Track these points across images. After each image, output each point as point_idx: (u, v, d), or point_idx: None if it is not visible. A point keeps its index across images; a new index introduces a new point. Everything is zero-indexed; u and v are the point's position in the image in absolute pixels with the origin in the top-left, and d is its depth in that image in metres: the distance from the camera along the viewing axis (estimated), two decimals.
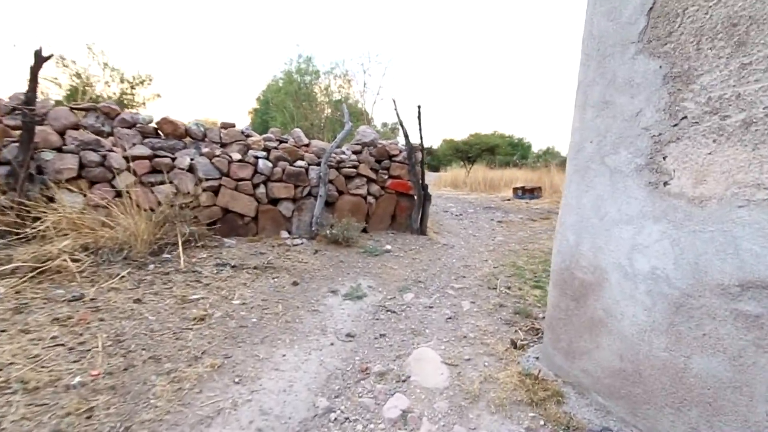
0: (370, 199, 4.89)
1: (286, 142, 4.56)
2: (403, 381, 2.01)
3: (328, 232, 4.20)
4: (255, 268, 3.26)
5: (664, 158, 1.48)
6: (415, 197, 5.10)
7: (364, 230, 4.89)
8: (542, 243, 4.73)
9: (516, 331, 2.47)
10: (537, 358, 2.10)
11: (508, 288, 3.24)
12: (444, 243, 4.89)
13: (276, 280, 3.13)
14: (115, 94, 11.41)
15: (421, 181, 5.14)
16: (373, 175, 4.89)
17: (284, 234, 4.39)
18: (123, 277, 2.75)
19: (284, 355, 2.12)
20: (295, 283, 3.10)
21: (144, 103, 11.83)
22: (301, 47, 24.51)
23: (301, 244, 4.12)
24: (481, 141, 17.26)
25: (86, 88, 10.25)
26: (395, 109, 5.06)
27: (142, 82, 11.81)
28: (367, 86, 12.41)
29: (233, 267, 3.23)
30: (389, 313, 2.78)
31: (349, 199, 4.74)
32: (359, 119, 10.88)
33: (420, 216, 5.15)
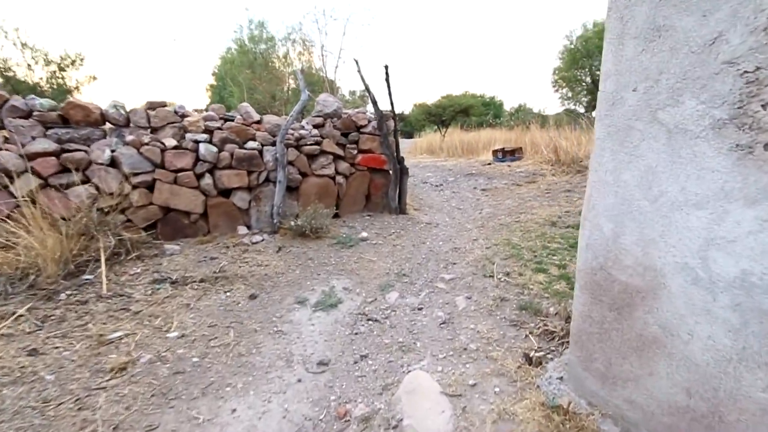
0: (339, 179, 4.28)
1: (233, 120, 3.84)
2: (394, 428, 1.53)
3: (293, 223, 3.60)
4: (202, 281, 2.67)
5: (763, 107, 0.96)
6: (391, 172, 4.52)
7: (336, 215, 4.32)
8: (534, 213, 4.29)
9: (527, 336, 2.01)
10: (561, 378, 1.65)
11: (507, 274, 2.78)
12: (427, 221, 4.38)
13: (229, 294, 2.56)
14: (42, 79, 10.03)
15: (395, 154, 4.55)
16: (340, 152, 4.25)
17: (242, 230, 3.77)
18: (21, 316, 2.12)
19: (234, 411, 1.60)
20: (252, 297, 2.54)
21: (78, 88, 10.50)
22: (251, 11, 22.58)
23: (262, 241, 3.52)
24: (454, 103, 16.56)
25: (3, 73, 8.90)
26: (359, 71, 4.36)
27: (72, 63, 10.42)
28: (326, 49, 11.32)
29: (174, 282, 2.62)
30: (371, 322, 2.28)
31: (315, 182, 4.12)
32: (322, 88, 9.98)
33: (398, 193, 4.60)
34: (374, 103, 4.36)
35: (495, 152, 8.96)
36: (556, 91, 21.46)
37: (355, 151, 4.35)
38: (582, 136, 8.68)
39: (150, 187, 3.35)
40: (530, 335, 2.02)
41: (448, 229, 4.07)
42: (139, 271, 2.76)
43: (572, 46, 19.58)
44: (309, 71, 12.04)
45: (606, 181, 1.35)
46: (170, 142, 3.39)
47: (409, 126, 30.36)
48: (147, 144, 3.30)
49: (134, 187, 3.27)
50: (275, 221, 3.69)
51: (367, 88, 4.37)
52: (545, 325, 2.07)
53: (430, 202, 5.45)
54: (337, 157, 4.29)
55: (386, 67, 4.41)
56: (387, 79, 4.44)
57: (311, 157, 4.11)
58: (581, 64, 19.35)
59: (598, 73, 18.91)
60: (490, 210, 4.73)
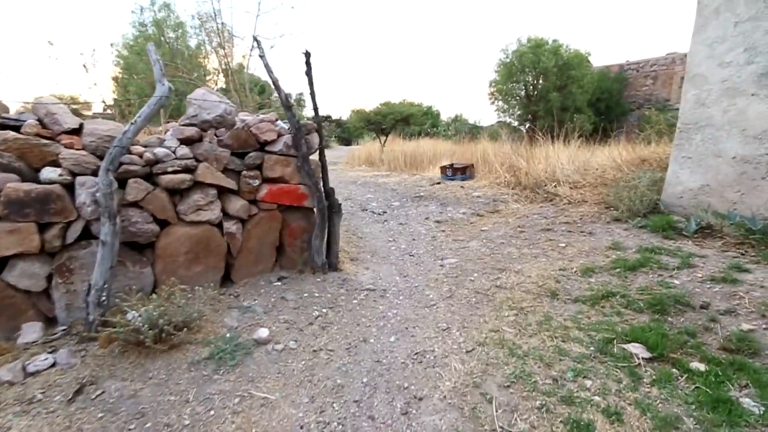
0: (231, 225, 2.68)
1: (18, 129, 2.09)
2: None
3: (132, 317, 1.95)
4: None
5: None
6: (315, 211, 3.03)
7: (226, 279, 2.72)
8: (519, 270, 3.07)
9: None
10: None
11: None
12: (369, 285, 2.95)
13: None
14: None
15: (322, 184, 3.08)
16: (230, 183, 2.66)
17: (32, 330, 2.03)
18: None
19: None
20: None
21: None
22: None
23: (52, 367, 1.82)
24: (394, 110, 15.48)
25: None
26: (261, 56, 2.82)
27: None
28: (233, 32, 9.26)
29: None
30: None
31: (186, 234, 2.49)
32: (238, 89, 8.10)
33: (326, 241, 3.12)
34: (287, 106, 2.84)
35: (443, 169, 7.86)
36: (492, 103, 21.51)
37: (258, 182, 2.79)
38: (536, 151, 7.93)
39: None
40: None
41: (402, 303, 2.67)
42: None
43: (508, 60, 19.71)
44: (235, 69, 10.05)
45: None
46: None
47: (347, 132, 28.95)
48: None
49: None
50: (91, 317, 2.00)
51: (274, 82, 2.84)
52: None
53: (373, 244, 4.03)
54: (225, 192, 2.70)
55: (307, 55, 2.93)
56: (308, 72, 2.96)
57: (177, 193, 2.47)
58: (516, 78, 19.51)
59: (531, 86, 19.19)
60: (455, 260, 3.43)
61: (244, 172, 2.73)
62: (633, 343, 2.03)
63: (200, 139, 2.57)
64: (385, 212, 5.47)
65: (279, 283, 2.85)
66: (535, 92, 19.18)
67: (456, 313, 2.49)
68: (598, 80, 19.68)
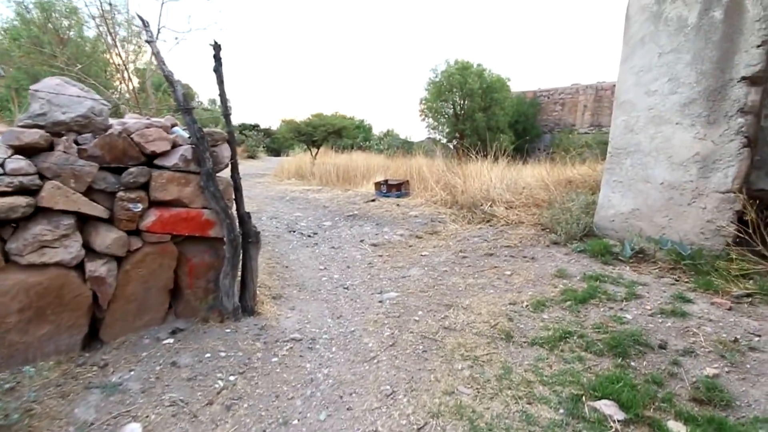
0: (98, 267, 1.95)
1: None
2: None
3: None
4: None
5: None
6: (225, 242, 2.40)
7: (94, 338, 1.98)
8: (467, 305, 2.74)
9: None
10: None
11: None
12: (294, 335, 2.39)
13: None
14: None
15: (235, 208, 2.46)
16: (98, 209, 1.94)
17: None
18: None
19: None
20: None
21: None
22: None
23: None
24: (326, 122, 14.96)
25: None
26: (149, 41, 2.17)
27: None
28: (139, 22, 8.13)
29: None
30: None
31: (21, 283, 1.72)
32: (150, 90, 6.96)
33: (240, 279, 2.50)
34: (186, 110, 2.20)
35: (378, 185, 7.52)
36: (423, 119, 22.11)
37: (141, 206, 2.09)
38: (468, 168, 7.97)
39: None
40: None
41: (335, 358, 2.16)
42: None
43: (437, 79, 20.44)
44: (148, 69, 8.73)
45: None
46: None
47: (277, 143, 27.60)
48: None
49: None
50: None
51: (167, 78, 2.20)
52: None
53: (301, 275, 3.46)
54: (92, 221, 1.97)
55: (216, 48, 2.34)
56: (217, 68, 2.36)
57: (6, 224, 1.71)
58: (445, 97, 20.29)
59: (459, 106, 20.08)
60: (395, 295, 3.01)
61: (121, 194, 2.02)
62: (604, 400, 1.75)
63: (50, 148, 1.83)
64: (316, 233, 4.91)
65: (171, 340, 2.16)
66: (462, 111, 20.09)
67: (401, 369, 2.05)
68: (516, 104, 21.24)
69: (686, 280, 2.98)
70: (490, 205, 5.48)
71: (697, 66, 3.20)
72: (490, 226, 4.82)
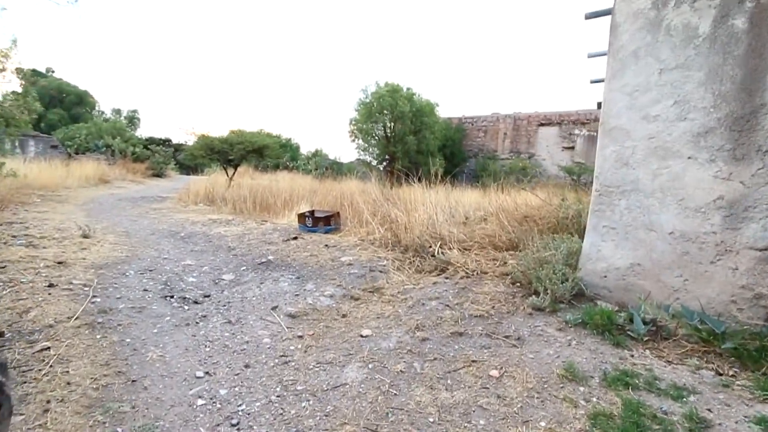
0: None
1: None
2: None
3: None
4: None
5: None
6: None
7: None
8: None
9: None
10: None
11: None
12: None
13: None
14: None
15: None
16: None
17: None
18: None
19: None
20: None
21: None
22: None
23: None
24: (245, 140, 13.16)
25: None
26: None
27: None
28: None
29: None
30: None
31: None
32: None
33: None
34: None
35: (302, 217, 6.16)
36: (353, 140, 21.29)
37: None
38: (405, 194, 7.01)
39: None
40: None
41: None
42: None
43: (368, 101, 19.82)
44: None
45: None
46: None
47: (189, 159, 24.56)
48: None
49: None
50: None
51: None
52: None
53: (157, 400, 1.98)
54: None
55: None
56: None
57: None
58: (375, 119, 19.71)
59: (390, 128, 19.61)
60: None
61: None
62: None
63: None
64: (208, 296, 3.40)
65: None
66: (393, 134, 19.63)
67: None
68: (444, 129, 21.43)
69: (732, 373, 2.15)
70: (440, 246, 4.46)
71: (713, 87, 2.51)
72: (446, 278, 3.75)
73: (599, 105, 7.77)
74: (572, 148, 18.99)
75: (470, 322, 2.83)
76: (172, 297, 3.31)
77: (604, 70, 3.12)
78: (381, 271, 4.01)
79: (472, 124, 22.84)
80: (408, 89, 19.73)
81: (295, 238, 5.48)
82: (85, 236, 4.95)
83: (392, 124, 19.31)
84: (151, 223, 6.84)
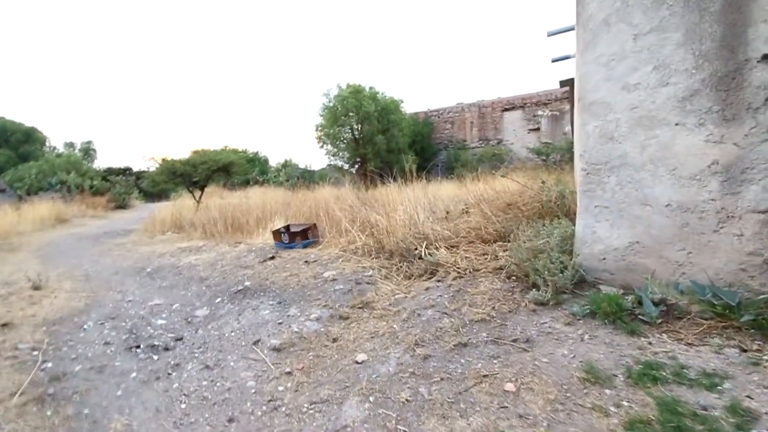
0: None
1: None
2: None
3: None
4: None
5: None
6: None
7: None
8: None
9: None
10: None
11: None
12: None
13: None
14: None
15: None
16: None
17: None
18: None
19: None
20: None
21: None
22: None
23: None
24: (209, 159, 12.57)
25: None
26: None
27: None
28: None
29: None
30: None
31: None
32: None
33: None
34: None
35: (278, 234, 5.81)
36: (321, 146, 20.89)
37: None
38: (381, 194, 6.76)
39: None
40: None
41: None
42: None
43: (331, 104, 19.46)
44: None
45: None
46: None
47: (152, 185, 23.50)
48: None
49: None
50: None
51: None
52: None
53: None
54: None
55: None
56: None
57: None
58: (341, 122, 19.37)
59: (357, 130, 19.31)
60: None
61: None
62: None
63: None
64: (180, 340, 3.04)
65: None
66: (361, 135, 19.33)
67: None
68: (412, 125, 21.31)
69: (756, 347, 2.01)
70: (427, 247, 4.24)
71: (692, 47, 2.37)
72: (438, 281, 3.53)
73: (561, 84, 7.74)
74: (537, 129, 19.26)
75: (472, 328, 2.61)
76: (138, 347, 2.93)
77: (565, 48, 2.95)
78: (368, 283, 3.74)
79: (439, 117, 22.84)
80: (371, 88, 19.48)
81: (273, 257, 5.13)
82: (36, 288, 4.45)
83: (359, 125, 19.02)
84: (114, 261, 6.32)
